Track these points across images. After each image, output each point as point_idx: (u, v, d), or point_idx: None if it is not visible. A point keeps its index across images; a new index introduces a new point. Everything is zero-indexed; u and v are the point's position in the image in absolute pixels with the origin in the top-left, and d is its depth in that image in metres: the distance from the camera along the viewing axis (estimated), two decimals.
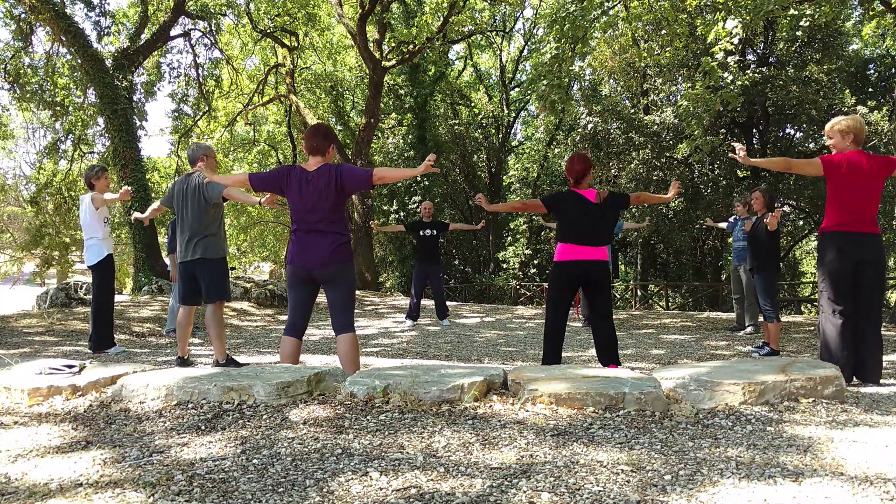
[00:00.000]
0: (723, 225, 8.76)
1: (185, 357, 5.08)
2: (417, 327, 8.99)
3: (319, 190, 3.70)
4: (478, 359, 6.11)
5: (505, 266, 24.34)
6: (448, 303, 14.11)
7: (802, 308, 16.57)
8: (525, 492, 1.89)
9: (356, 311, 11.53)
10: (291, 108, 21.66)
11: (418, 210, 18.89)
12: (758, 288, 6.17)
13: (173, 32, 18.13)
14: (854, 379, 3.87)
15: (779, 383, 2.89)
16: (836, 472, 2.01)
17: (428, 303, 11.25)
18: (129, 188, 5.64)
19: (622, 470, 2.06)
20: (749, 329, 7.78)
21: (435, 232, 8.57)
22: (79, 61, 14.91)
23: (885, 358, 5.27)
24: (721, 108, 12.40)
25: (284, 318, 9.96)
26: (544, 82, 9.50)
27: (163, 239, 15.62)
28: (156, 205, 5.57)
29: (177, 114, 22.79)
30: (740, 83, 10.09)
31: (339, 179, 3.72)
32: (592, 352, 6.43)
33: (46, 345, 6.59)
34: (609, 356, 4.39)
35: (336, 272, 3.79)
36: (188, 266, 4.84)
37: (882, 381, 3.92)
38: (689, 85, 13.79)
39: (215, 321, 4.79)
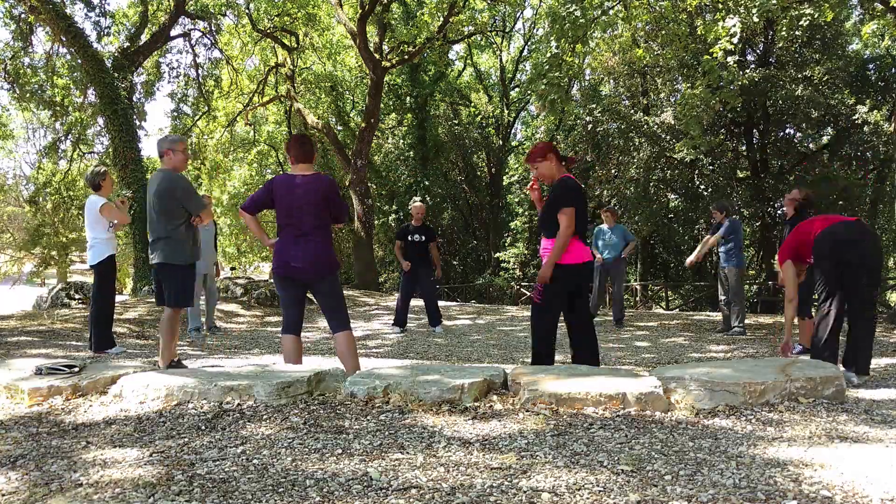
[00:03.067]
0: (713, 240, 8.03)
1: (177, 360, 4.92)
2: (418, 329, 8.98)
3: (307, 195, 3.77)
4: (478, 359, 6.11)
5: (505, 266, 24.35)
6: (448, 303, 14.09)
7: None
8: (525, 492, 1.89)
9: (364, 309, 11.45)
10: (291, 109, 21.66)
11: None
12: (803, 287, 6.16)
13: (173, 32, 18.15)
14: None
15: (779, 383, 2.89)
16: (836, 473, 2.01)
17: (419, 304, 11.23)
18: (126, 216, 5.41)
19: (622, 470, 2.06)
20: (736, 330, 7.77)
21: (423, 238, 8.19)
22: (79, 61, 14.92)
23: (886, 360, 5.28)
24: (721, 108, 12.41)
25: (272, 319, 9.97)
26: (544, 81, 9.49)
27: None
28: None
29: (176, 114, 22.80)
30: (740, 83, 10.09)
31: (326, 193, 3.81)
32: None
33: (47, 346, 6.58)
34: (593, 360, 4.12)
35: (321, 276, 3.85)
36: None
37: (882, 381, 3.93)
38: (688, 85, 13.80)
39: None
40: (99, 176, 5.90)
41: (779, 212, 20.55)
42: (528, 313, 11.68)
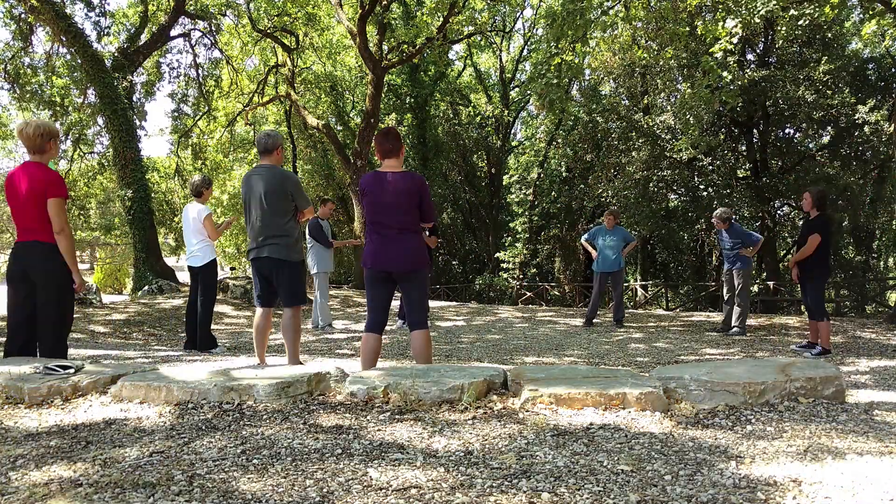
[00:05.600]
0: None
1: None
2: None
3: (399, 193, 3.79)
4: (477, 359, 6.11)
5: (504, 266, 24.33)
6: (449, 303, 14.10)
7: (802, 308, 16.55)
8: (525, 492, 1.89)
9: (355, 309, 11.47)
10: (291, 109, 21.65)
11: None
12: (810, 290, 6.18)
13: (173, 33, 18.15)
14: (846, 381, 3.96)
15: (779, 383, 2.89)
16: (835, 473, 2.01)
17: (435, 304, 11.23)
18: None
19: (622, 470, 2.06)
20: (735, 331, 7.78)
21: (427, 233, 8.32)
22: (79, 61, 14.93)
23: (885, 362, 5.29)
24: (720, 108, 12.41)
25: None
26: (543, 81, 9.49)
27: (163, 239, 15.62)
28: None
29: (176, 114, 22.81)
30: (739, 83, 10.08)
31: (420, 193, 3.83)
32: (588, 353, 6.43)
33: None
34: None
35: (413, 273, 3.89)
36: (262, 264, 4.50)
37: (882, 382, 3.93)
38: (688, 84, 13.81)
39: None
40: (203, 184, 6.21)
41: (778, 212, 20.55)
42: (528, 314, 11.69)
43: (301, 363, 4.56)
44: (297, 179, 4.52)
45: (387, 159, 3.90)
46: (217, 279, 6.30)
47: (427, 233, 8.21)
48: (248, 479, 2.03)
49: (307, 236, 8.34)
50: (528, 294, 21.56)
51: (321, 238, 8.33)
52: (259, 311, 4.60)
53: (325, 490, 1.93)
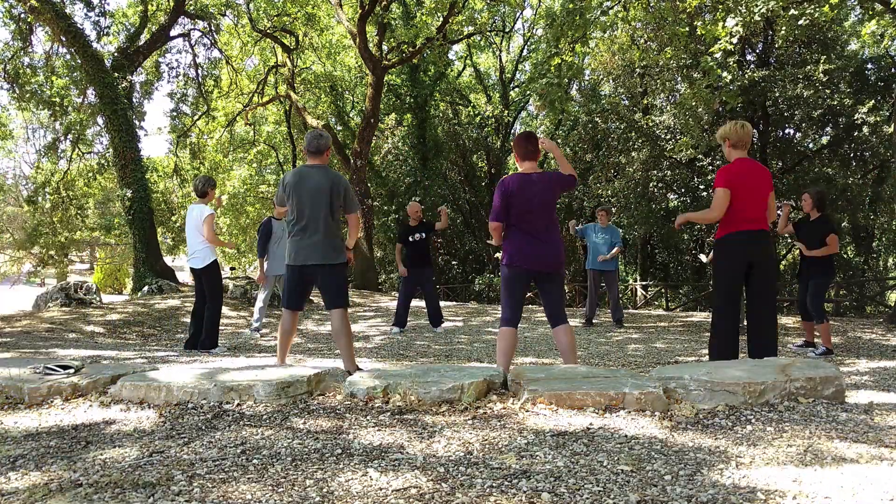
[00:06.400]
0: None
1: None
2: (416, 329, 8.97)
3: (544, 193, 3.94)
4: (477, 359, 6.10)
5: None
6: (448, 303, 14.10)
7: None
8: (525, 492, 1.89)
9: (353, 309, 11.47)
10: (291, 109, 21.66)
11: None
12: (811, 291, 6.19)
13: (173, 32, 18.16)
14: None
15: (779, 383, 2.89)
16: (836, 473, 2.01)
17: (418, 305, 11.23)
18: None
19: (622, 470, 2.06)
20: None
21: (423, 235, 8.11)
22: (78, 61, 14.94)
23: (885, 363, 5.29)
24: (719, 108, 12.43)
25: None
26: (543, 81, 9.50)
27: (160, 238, 15.62)
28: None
29: (175, 113, 22.81)
30: (739, 83, 10.07)
31: (558, 183, 4.03)
32: (588, 353, 6.43)
33: (46, 345, 6.58)
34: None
35: (559, 272, 4.06)
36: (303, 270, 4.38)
37: (882, 382, 3.93)
38: (688, 85, 13.82)
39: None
40: (207, 184, 6.20)
41: (778, 212, 20.53)
42: (527, 314, 11.68)
43: (359, 368, 4.33)
44: (347, 182, 4.41)
45: (526, 161, 4.03)
46: (220, 280, 6.28)
47: (423, 235, 8.15)
48: (248, 479, 2.03)
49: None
50: (528, 294, 21.55)
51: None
52: (287, 313, 4.45)
53: (325, 490, 1.93)
